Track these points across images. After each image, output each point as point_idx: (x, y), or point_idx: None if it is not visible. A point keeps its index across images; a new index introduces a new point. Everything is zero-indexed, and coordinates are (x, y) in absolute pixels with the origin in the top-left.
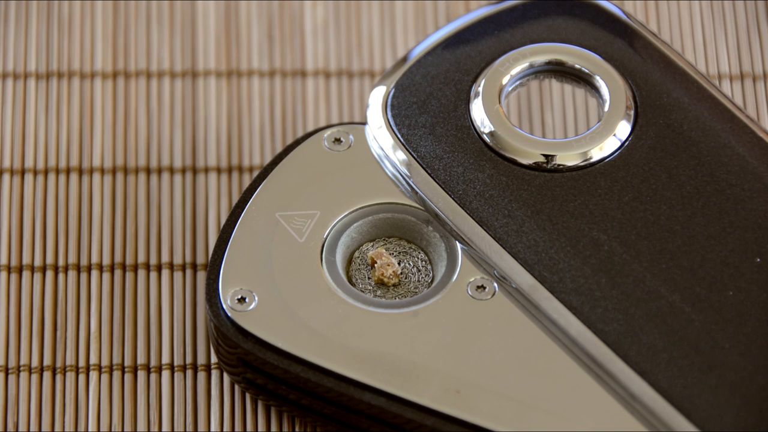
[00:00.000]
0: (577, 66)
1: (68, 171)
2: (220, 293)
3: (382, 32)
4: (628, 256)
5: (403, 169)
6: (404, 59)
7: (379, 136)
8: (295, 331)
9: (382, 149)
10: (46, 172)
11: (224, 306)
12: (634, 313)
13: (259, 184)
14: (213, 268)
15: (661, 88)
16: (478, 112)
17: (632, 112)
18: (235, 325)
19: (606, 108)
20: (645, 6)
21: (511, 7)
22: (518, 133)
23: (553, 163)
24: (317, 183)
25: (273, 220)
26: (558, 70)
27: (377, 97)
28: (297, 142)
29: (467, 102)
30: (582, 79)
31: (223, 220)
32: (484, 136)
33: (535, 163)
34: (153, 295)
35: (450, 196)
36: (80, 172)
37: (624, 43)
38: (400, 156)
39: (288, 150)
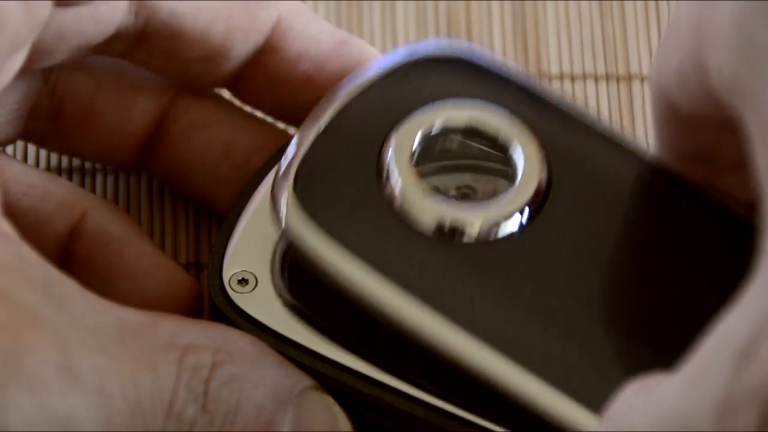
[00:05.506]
0: (490, 132)
1: (68, 171)
2: (223, 273)
3: (383, 32)
4: (589, 317)
5: (334, 267)
6: (298, 144)
7: (299, 238)
8: (293, 316)
9: (309, 249)
10: None
11: (225, 286)
12: (613, 375)
13: (268, 170)
14: (218, 248)
15: (569, 146)
16: (391, 189)
17: (545, 175)
18: (233, 306)
19: (518, 179)
20: (645, 6)
21: (389, 72)
22: (435, 207)
23: (477, 234)
24: None
25: None
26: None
27: (284, 197)
28: None
29: (379, 180)
30: (496, 145)
31: None
32: (402, 213)
33: (461, 235)
34: None
35: (390, 284)
36: (80, 172)
37: (513, 96)
38: (327, 255)
39: None
